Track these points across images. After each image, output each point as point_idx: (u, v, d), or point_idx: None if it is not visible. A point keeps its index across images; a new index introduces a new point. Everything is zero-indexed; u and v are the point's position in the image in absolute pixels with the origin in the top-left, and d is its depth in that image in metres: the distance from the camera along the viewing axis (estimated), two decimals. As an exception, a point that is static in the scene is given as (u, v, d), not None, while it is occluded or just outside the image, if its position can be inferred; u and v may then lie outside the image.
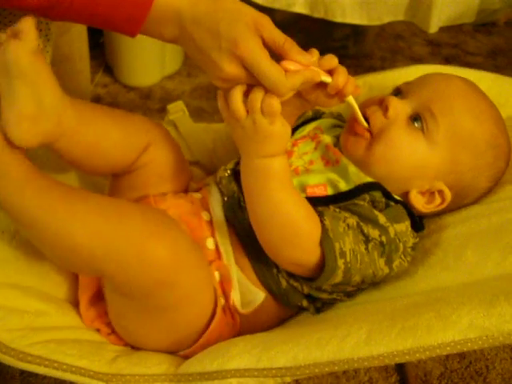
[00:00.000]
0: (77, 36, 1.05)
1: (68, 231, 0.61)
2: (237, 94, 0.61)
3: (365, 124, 0.72)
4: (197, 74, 1.52)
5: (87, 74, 1.12)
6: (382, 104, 0.73)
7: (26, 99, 0.61)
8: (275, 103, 0.59)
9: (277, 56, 0.62)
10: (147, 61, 1.45)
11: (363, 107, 0.74)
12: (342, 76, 0.65)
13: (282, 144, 0.63)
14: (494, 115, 0.75)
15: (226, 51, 0.59)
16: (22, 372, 0.91)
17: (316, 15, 1.32)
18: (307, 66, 0.62)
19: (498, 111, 0.76)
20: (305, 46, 0.64)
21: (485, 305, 0.55)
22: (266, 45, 0.61)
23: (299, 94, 0.69)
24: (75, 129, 0.67)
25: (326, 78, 0.65)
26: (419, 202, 0.73)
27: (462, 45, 1.66)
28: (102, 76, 1.49)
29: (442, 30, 1.31)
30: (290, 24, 1.48)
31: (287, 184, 0.65)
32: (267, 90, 0.60)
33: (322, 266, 0.64)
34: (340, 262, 0.64)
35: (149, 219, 0.63)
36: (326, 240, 0.64)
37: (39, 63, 0.61)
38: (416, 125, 0.72)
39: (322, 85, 0.67)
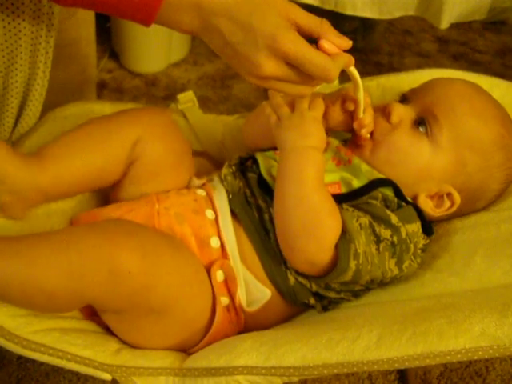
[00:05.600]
0: (83, 20, 1.03)
1: (32, 280, 0.59)
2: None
3: (361, 101, 0.70)
4: (203, 62, 1.51)
5: (93, 59, 1.10)
6: (386, 110, 0.73)
7: None
8: (320, 103, 0.69)
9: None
10: (153, 47, 1.43)
11: None
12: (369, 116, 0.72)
13: (322, 141, 0.68)
14: (500, 116, 0.74)
15: (264, 47, 0.56)
16: (20, 357, 0.90)
17: (327, 7, 1.31)
18: (341, 50, 0.60)
19: (504, 112, 0.76)
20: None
21: (496, 314, 0.55)
22: (301, 31, 0.58)
23: None
24: (55, 181, 0.69)
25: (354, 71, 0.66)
26: (428, 206, 0.73)
27: (470, 42, 1.64)
28: (107, 61, 1.47)
29: (451, 27, 1.30)
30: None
31: (321, 177, 0.67)
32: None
33: (332, 267, 0.64)
34: (352, 264, 0.63)
35: (115, 232, 0.62)
36: (341, 240, 0.64)
37: None
38: (421, 129, 0.72)
39: None
